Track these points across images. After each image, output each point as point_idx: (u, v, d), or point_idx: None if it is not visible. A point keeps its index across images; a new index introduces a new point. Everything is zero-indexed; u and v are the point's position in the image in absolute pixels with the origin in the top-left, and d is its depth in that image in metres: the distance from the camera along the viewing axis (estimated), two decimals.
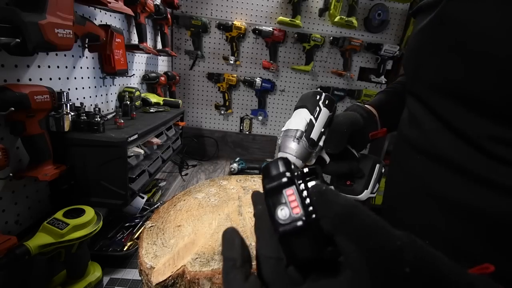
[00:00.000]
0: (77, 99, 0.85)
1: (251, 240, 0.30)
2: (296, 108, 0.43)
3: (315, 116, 0.40)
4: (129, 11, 0.93)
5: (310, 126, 0.40)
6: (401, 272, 0.14)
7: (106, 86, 1.01)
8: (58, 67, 0.75)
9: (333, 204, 0.18)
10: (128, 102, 1.00)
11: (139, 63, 1.30)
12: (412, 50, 0.42)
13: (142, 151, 0.84)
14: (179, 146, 1.36)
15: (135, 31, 1.17)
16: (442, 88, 0.36)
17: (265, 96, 1.86)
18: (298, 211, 0.18)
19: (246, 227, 0.33)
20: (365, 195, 0.45)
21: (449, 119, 0.35)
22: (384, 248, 0.15)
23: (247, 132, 1.93)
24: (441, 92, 0.36)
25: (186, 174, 1.51)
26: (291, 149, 0.38)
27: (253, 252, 0.29)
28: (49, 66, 0.71)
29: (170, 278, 0.27)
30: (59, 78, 0.76)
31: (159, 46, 1.49)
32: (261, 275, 0.19)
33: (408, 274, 0.14)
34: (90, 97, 0.92)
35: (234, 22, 1.67)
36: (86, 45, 0.85)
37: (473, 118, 0.32)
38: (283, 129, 0.41)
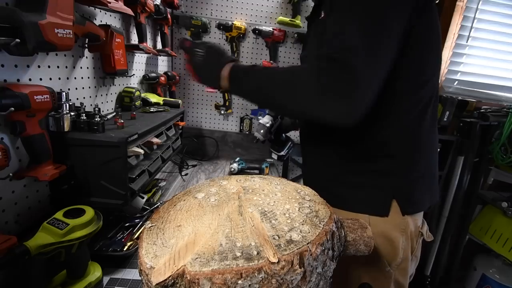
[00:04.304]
0: (77, 99, 0.85)
1: (251, 240, 0.30)
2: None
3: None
4: (129, 11, 0.93)
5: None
6: None
7: (106, 86, 1.01)
8: (58, 67, 0.75)
9: None
10: (128, 102, 1.00)
11: (139, 63, 1.30)
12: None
13: (142, 151, 0.84)
14: (179, 146, 1.36)
15: (135, 31, 1.17)
16: None
17: None
18: None
19: (246, 227, 0.33)
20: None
21: None
22: None
23: (247, 132, 1.93)
24: None
25: (186, 174, 1.51)
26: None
27: (253, 252, 0.29)
28: (49, 66, 0.71)
29: (170, 278, 0.27)
30: (59, 78, 0.76)
31: (159, 46, 1.49)
32: None
33: None
34: (90, 97, 0.92)
35: (234, 22, 1.67)
36: (86, 45, 0.85)
37: None
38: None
